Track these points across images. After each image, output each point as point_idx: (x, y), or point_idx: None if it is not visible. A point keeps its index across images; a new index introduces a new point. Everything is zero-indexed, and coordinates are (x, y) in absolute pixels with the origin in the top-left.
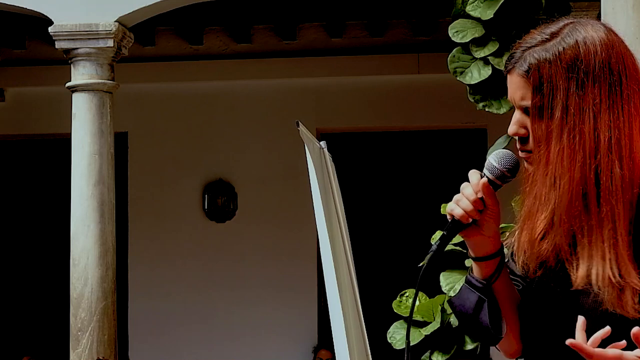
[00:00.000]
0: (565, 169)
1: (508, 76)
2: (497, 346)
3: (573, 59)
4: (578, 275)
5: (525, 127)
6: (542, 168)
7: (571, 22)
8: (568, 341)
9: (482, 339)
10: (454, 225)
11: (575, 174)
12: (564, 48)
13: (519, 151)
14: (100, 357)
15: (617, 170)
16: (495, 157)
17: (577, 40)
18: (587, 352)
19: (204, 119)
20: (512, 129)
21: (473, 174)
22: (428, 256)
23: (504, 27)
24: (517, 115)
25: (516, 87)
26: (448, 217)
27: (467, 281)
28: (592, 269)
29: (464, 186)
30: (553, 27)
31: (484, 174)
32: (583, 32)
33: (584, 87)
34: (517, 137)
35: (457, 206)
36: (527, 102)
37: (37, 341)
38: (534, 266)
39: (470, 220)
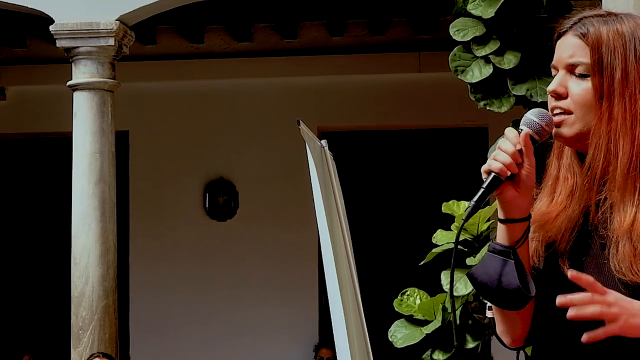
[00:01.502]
0: (627, 128)
1: (559, 40)
2: (500, 331)
3: (630, 34)
4: (625, 220)
5: (565, 87)
6: (604, 123)
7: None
8: (559, 300)
9: (509, 305)
10: (492, 181)
11: (637, 134)
12: (621, 25)
13: (552, 112)
14: (96, 353)
15: None
16: (533, 113)
17: (635, 21)
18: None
19: (205, 117)
20: (552, 86)
21: (509, 130)
22: (466, 212)
23: (505, 26)
24: (559, 75)
25: (568, 46)
26: (484, 176)
27: (491, 249)
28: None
29: (501, 141)
30: (606, 10)
31: (522, 129)
32: (637, 19)
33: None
34: (551, 97)
35: (495, 160)
36: (576, 59)
37: (38, 340)
38: (544, 246)
39: (509, 174)
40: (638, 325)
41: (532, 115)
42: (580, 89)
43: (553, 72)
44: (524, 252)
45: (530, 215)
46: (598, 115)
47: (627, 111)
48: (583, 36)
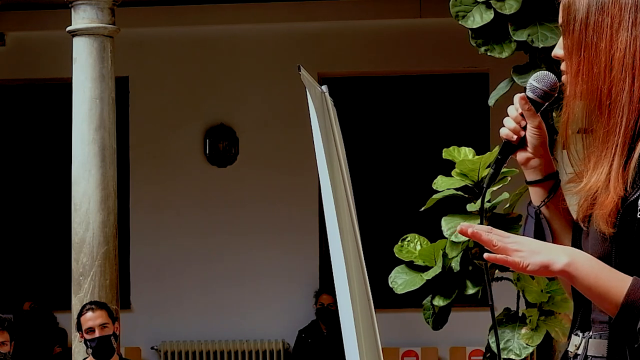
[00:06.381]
0: (583, 81)
1: None
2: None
3: None
4: (590, 175)
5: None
6: (572, 80)
7: None
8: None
9: None
10: (505, 148)
11: (590, 86)
12: None
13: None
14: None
15: (626, 86)
16: (536, 77)
17: None
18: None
19: (205, 63)
20: (554, 51)
21: (516, 97)
22: (486, 179)
23: None
24: (561, 38)
25: (560, 9)
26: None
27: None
28: (590, 179)
29: (509, 108)
30: None
31: (525, 94)
32: None
33: (605, 7)
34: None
35: (504, 127)
36: (560, 21)
37: (39, 287)
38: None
39: (515, 138)
40: (539, 262)
41: (532, 80)
42: None
43: None
44: (556, 210)
45: (549, 176)
46: (567, 74)
47: (583, 64)
48: None
